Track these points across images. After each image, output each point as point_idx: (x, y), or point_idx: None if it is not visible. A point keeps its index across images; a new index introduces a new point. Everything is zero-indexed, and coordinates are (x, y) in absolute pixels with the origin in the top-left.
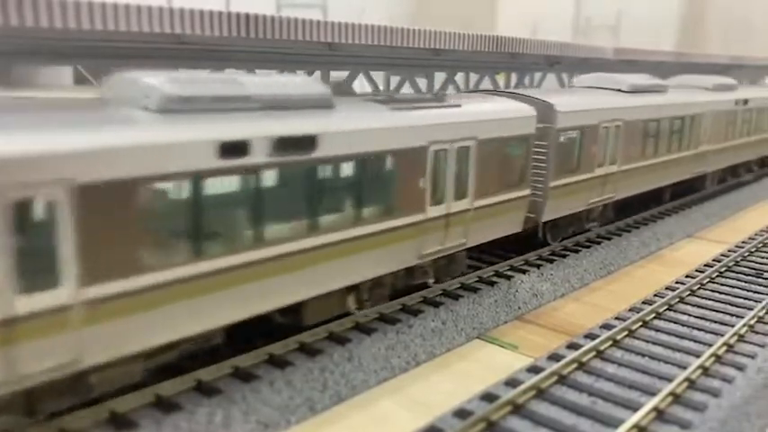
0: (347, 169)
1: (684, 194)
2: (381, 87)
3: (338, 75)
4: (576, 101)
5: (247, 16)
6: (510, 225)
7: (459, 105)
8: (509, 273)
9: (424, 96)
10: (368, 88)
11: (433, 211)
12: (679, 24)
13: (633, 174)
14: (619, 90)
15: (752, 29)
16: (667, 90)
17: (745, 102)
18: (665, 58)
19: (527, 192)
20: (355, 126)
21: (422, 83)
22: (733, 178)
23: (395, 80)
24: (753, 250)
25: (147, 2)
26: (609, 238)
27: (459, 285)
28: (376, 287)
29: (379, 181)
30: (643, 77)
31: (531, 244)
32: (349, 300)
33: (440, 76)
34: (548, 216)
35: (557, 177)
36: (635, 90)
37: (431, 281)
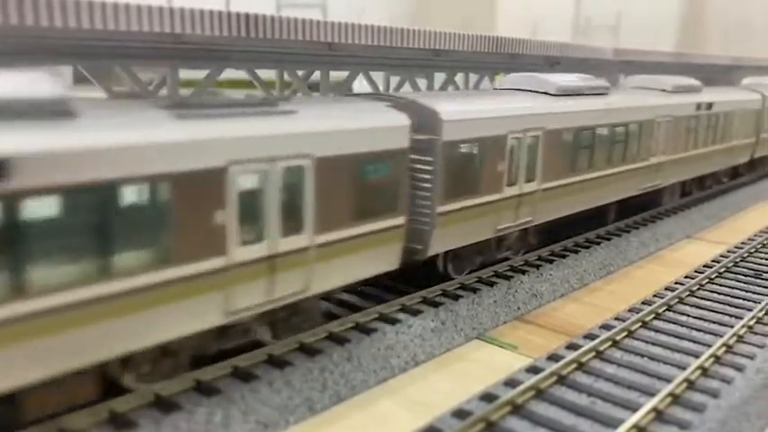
0: (82, 203)
1: (638, 211)
2: (381, 88)
3: (338, 75)
4: (475, 107)
5: (247, 16)
6: (379, 262)
7: (292, 112)
8: (508, 273)
9: (242, 100)
10: (368, 89)
11: (245, 253)
12: (679, 25)
13: (559, 193)
14: (545, 93)
15: (751, 29)
16: (609, 92)
17: (710, 105)
18: (664, 59)
19: (402, 220)
20: (93, 143)
21: (422, 83)
22: (700, 191)
23: (395, 81)
24: (752, 251)
25: (148, 1)
26: (608, 239)
27: (458, 286)
28: (164, 356)
29: (141, 217)
30: (580, 78)
31: (432, 278)
32: (126, 376)
33: (440, 77)
34: (437, 248)
35: (447, 200)
36: (564, 93)
37: (266, 338)
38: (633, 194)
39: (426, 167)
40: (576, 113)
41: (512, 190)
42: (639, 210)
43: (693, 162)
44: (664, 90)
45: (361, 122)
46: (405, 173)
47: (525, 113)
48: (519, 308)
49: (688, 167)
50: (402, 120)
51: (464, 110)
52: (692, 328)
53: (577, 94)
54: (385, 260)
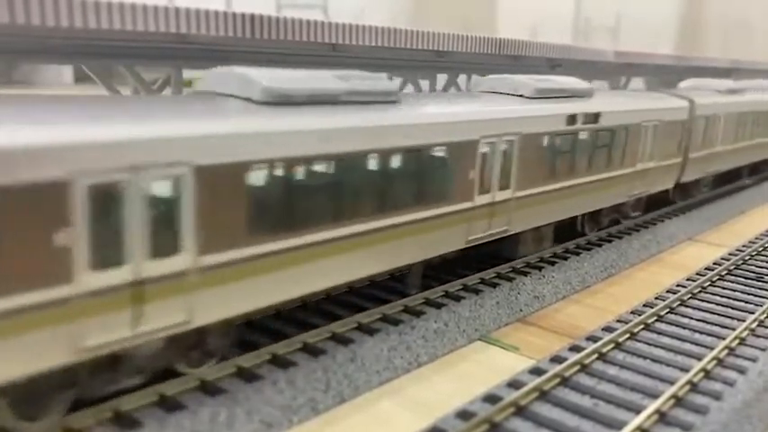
0: None
1: (475, 271)
2: None
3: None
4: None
5: (252, 16)
6: None
7: None
8: (511, 275)
9: None
10: None
11: None
12: (678, 26)
13: (260, 267)
14: (248, 99)
15: (751, 31)
16: (399, 100)
17: (595, 117)
18: (665, 62)
19: None
20: None
21: (424, 84)
22: (595, 230)
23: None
24: (753, 254)
25: (152, 1)
26: (609, 241)
27: (461, 287)
28: None
29: None
30: (338, 77)
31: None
32: None
33: (442, 78)
34: None
35: None
36: (279, 100)
37: None
38: (454, 250)
39: None
40: (297, 135)
41: (97, 278)
42: (482, 268)
43: (568, 196)
44: (520, 95)
45: None
46: None
47: (143, 138)
48: (521, 309)
49: (559, 205)
50: None
51: None
52: (694, 331)
53: (321, 103)
54: None
